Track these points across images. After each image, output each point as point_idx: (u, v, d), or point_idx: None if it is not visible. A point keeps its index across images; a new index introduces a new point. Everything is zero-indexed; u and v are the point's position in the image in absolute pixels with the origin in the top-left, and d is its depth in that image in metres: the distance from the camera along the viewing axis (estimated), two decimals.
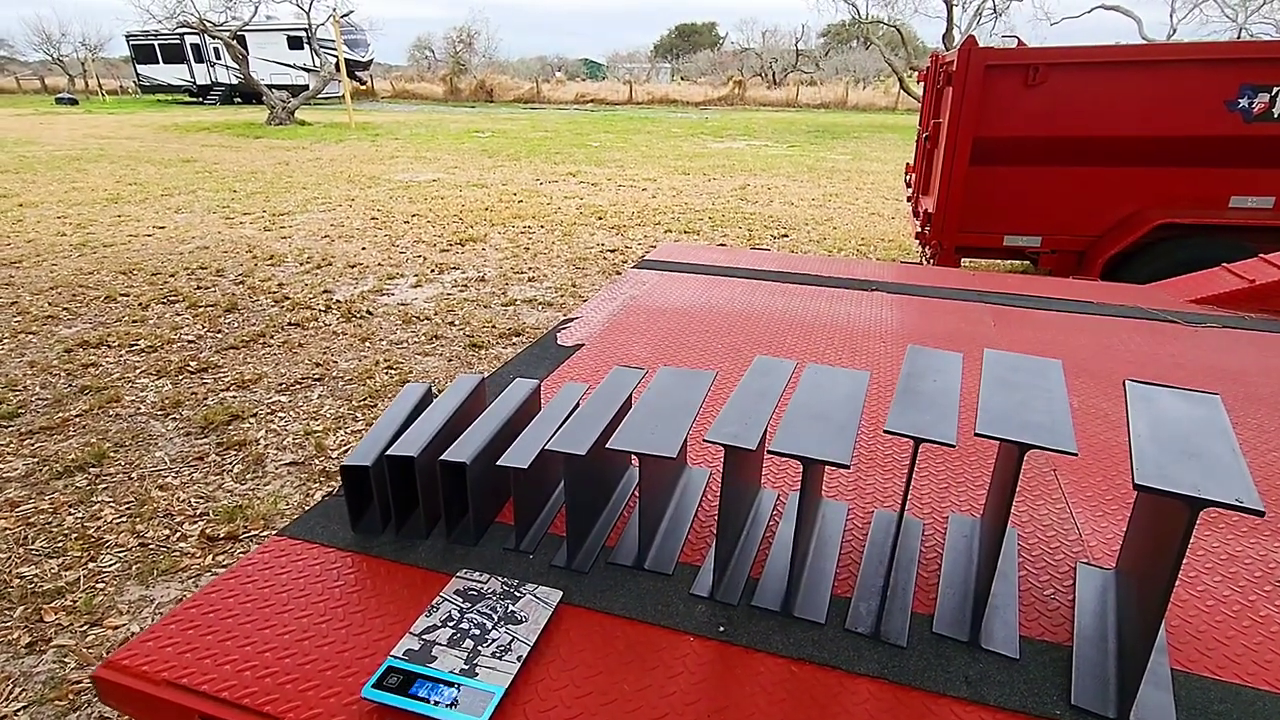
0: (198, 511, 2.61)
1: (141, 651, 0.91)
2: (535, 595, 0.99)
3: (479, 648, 0.89)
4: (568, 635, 0.95)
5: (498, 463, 1.07)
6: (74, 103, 31.45)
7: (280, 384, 3.70)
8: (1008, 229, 4.36)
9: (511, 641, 0.91)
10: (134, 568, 2.31)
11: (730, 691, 0.87)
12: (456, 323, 4.70)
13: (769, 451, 0.90)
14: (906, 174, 5.87)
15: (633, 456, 1.26)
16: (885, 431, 0.86)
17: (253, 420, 3.30)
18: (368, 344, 4.30)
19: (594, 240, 7.18)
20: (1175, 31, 24.32)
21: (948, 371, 1.04)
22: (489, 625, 0.93)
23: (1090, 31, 43.03)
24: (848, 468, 0.86)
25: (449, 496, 1.11)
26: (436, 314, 4.86)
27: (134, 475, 2.84)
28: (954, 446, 0.84)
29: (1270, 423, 1.59)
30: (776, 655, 0.92)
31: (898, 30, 25.79)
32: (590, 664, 0.90)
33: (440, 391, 1.34)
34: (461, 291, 5.38)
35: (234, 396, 3.54)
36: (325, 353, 4.14)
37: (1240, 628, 0.97)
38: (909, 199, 5.76)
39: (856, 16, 25.96)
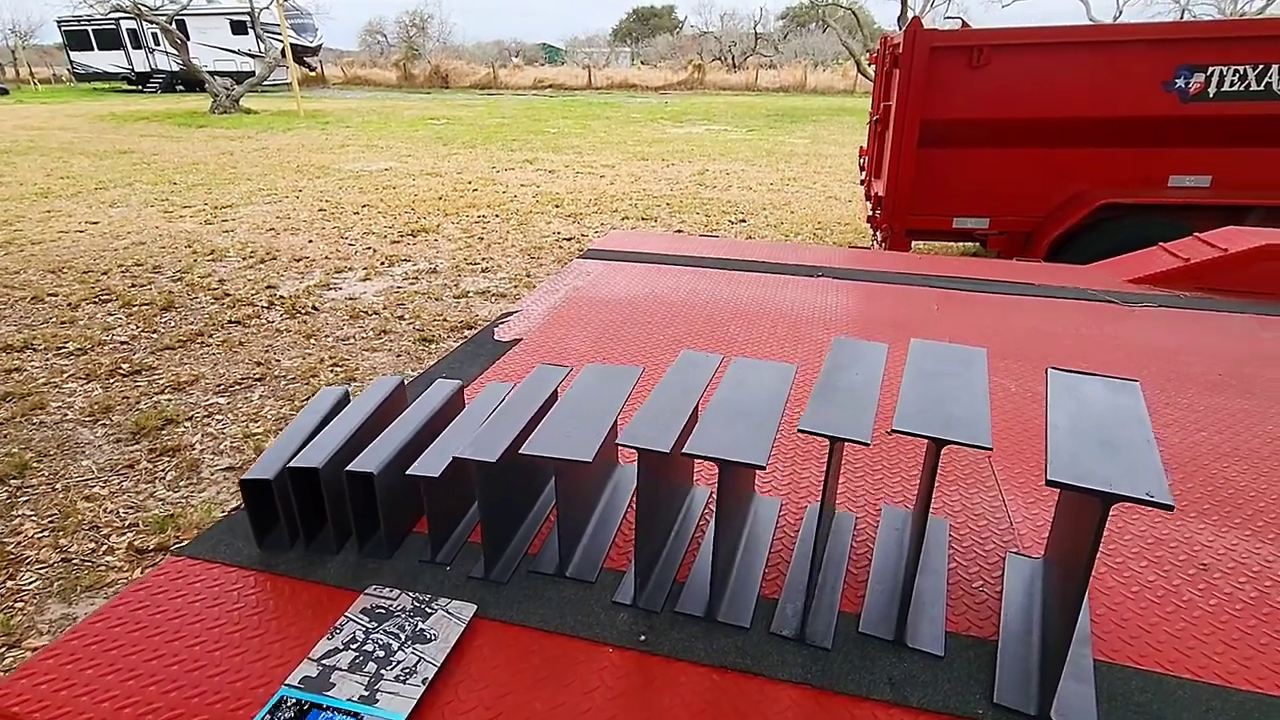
0: (126, 522, 2.48)
1: (14, 691, 0.84)
2: (447, 611, 0.94)
3: (382, 671, 0.84)
4: (480, 652, 0.90)
5: (407, 472, 1.01)
6: (4, 92, 29.88)
7: (219, 385, 3.56)
8: (956, 211, 4.40)
9: (418, 663, 0.86)
10: (56, 584, 2.19)
11: (649, 705, 0.84)
12: (406, 316, 4.58)
13: (682, 454, 0.86)
14: (860, 157, 5.89)
15: None
16: (799, 430, 0.83)
17: (188, 424, 3.16)
18: (313, 341, 4.16)
19: (550, 229, 7.08)
20: (1120, 14, 24.92)
21: (870, 363, 1.01)
22: (395, 646, 0.88)
23: (1041, 14, 43.89)
24: (763, 469, 0.83)
25: (358, 509, 1.05)
26: (386, 308, 4.73)
27: (58, 486, 2.69)
28: (868, 445, 0.81)
29: (1199, 402, 1.61)
30: (698, 664, 0.89)
31: (854, 13, 25.94)
32: (502, 682, 0.86)
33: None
34: (412, 284, 5.24)
35: (169, 400, 3.39)
36: (267, 351, 4.00)
37: (1163, 614, 0.97)
38: (862, 182, 5.78)
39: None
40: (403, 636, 0.89)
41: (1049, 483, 0.72)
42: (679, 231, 7.16)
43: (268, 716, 0.78)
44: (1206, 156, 4.06)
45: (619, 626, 0.94)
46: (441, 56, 40.93)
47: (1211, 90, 3.89)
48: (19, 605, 2.10)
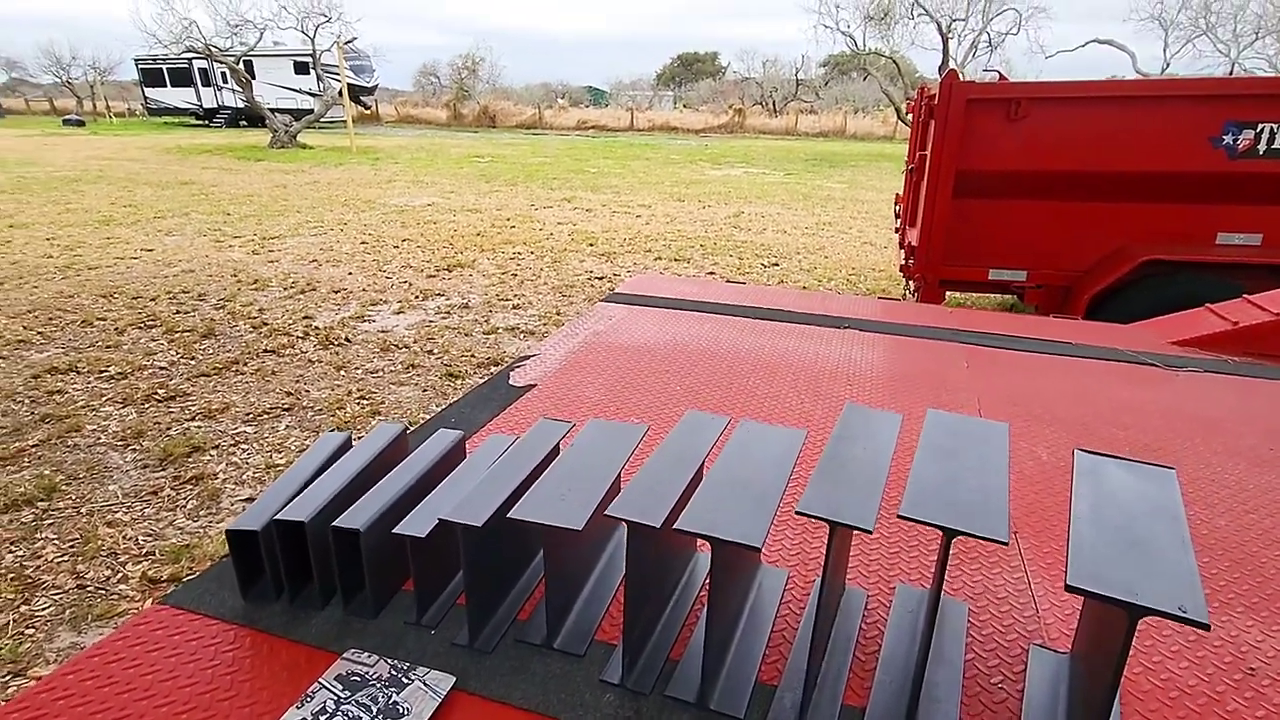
0: (144, 551, 2.50)
1: None
2: (424, 682, 0.90)
3: None
4: None
5: (394, 531, 0.98)
6: (81, 124, 31.78)
7: (248, 414, 3.61)
8: (993, 262, 4.31)
9: None
10: (68, 612, 2.20)
11: None
12: (435, 351, 4.62)
13: (675, 530, 0.82)
14: (895, 204, 5.84)
15: None
16: (796, 513, 0.78)
17: (214, 452, 3.21)
18: (342, 372, 4.22)
19: (583, 267, 7.14)
20: (1168, 65, 24.61)
21: (882, 436, 0.95)
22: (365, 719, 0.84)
23: (1085, 65, 43.62)
24: (758, 550, 0.77)
25: (344, 565, 1.02)
26: (416, 342, 4.78)
27: (83, 510, 2.74)
28: (870, 533, 0.75)
29: (1249, 480, 1.50)
30: None
31: (895, 62, 26.13)
32: None
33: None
34: (444, 319, 5.31)
35: (198, 427, 3.45)
36: (298, 381, 4.06)
37: None
38: (896, 230, 5.72)
39: (854, 48, 26.32)
40: (374, 709, 0.85)
41: (1069, 588, 0.65)
42: (710, 274, 7.16)
43: None
44: (1257, 214, 3.91)
45: (604, 709, 0.89)
46: (490, 97, 42.36)
47: (1261, 147, 3.76)
48: (29, 632, 2.12)
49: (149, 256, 7.08)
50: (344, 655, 0.94)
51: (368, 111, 36.62)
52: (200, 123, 32.57)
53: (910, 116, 5.30)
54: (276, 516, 1.01)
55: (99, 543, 2.53)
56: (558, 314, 5.55)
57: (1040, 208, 4.15)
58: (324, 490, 1.07)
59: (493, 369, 4.38)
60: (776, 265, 7.59)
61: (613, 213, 10.61)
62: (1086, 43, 23.94)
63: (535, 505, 0.92)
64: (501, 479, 1.02)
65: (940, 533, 0.89)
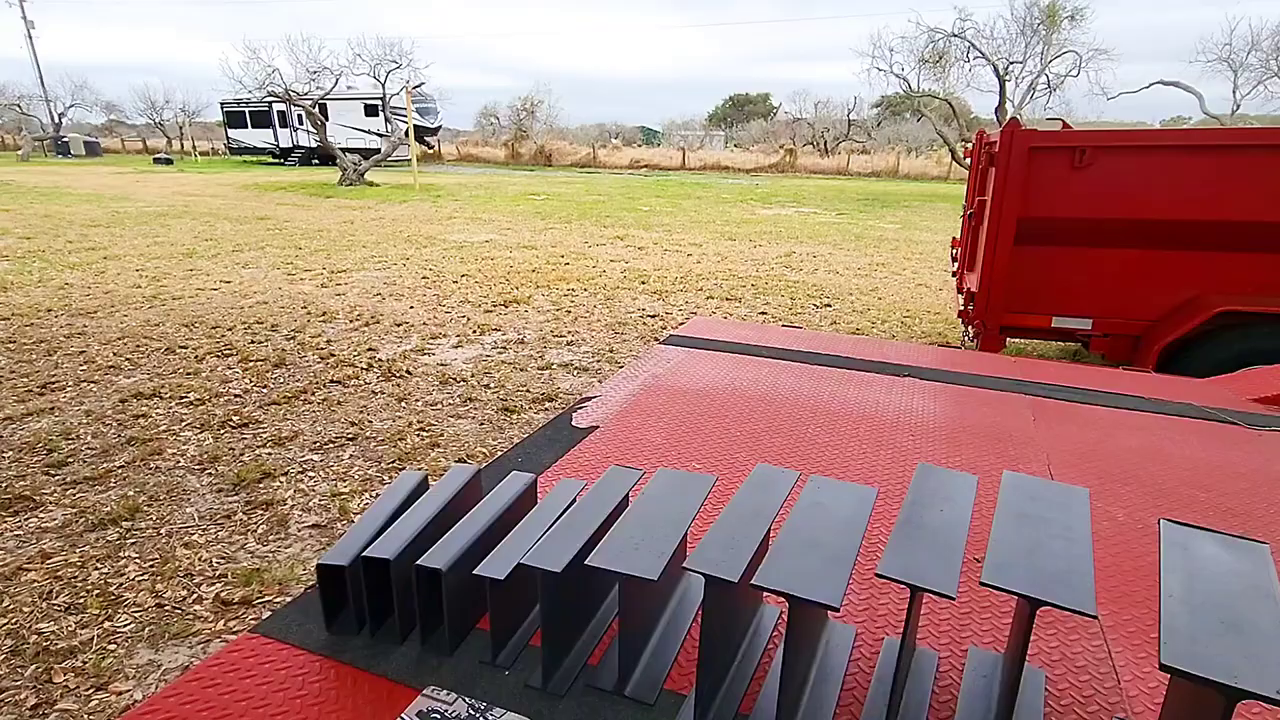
0: (217, 573, 2.62)
1: None
2: None
3: None
4: None
5: (473, 572, 1.02)
6: (169, 162, 34.10)
7: (315, 442, 3.76)
8: (1056, 310, 4.20)
9: None
10: (147, 629, 2.31)
11: None
12: (492, 385, 4.74)
13: (751, 586, 0.83)
14: (952, 248, 5.77)
15: None
16: (877, 575, 0.79)
17: (283, 479, 3.34)
18: (404, 404, 4.36)
19: (635, 305, 7.23)
20: (1239, 107, 23.77)
21: (959, 499, 0.95)
22: None
23: (1149, 106, 42.48)
24: (837, 610, 0.78)
25: (424, 602, 1.07)
26: (473, 375, 4.91)
27: (163, 531, 2.88)
28: (953, 599, 0.75)
29: None
30: None
31: (949, 103, 25.97)
32: None
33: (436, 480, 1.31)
34: (500, 353, 5.44)
35: (269, 453, 3.60)
36: (362, 411, 4.21)
37: None
38: (954, 274, 5.63)
39: (908, 90, 26.30)
40: None
41: (1163, 668, 0.64)
42: (763, 314, 7.16)
43: None
44: None
45: None
46: (547, 137, 43.72)
47: None
48: (111, 648, 2.23)
49: (227, 288, 7.49)
50: (424, 692, 0.98)
51: (431, 151, 38.23)
52: (275, 161, 34.53)
53: (968, 160, 5.26)
54: (364, 554, 1.06)
55: (176, 563, 2.66)
56: (610, 351, 5.63)
57: (1107, 255, 4.04)
58: (406, 529, 1.12)
59: (546, 404, 4.46)
60: (829, 306, 7.55)
61: (664, 251, 10.75)
62: (1151, 84, 23.34)
63: (611, 553, 0.95)
64: (576, 525, 1.05)
65: (1020, 602, 0.88)
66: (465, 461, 2.14)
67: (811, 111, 43.91)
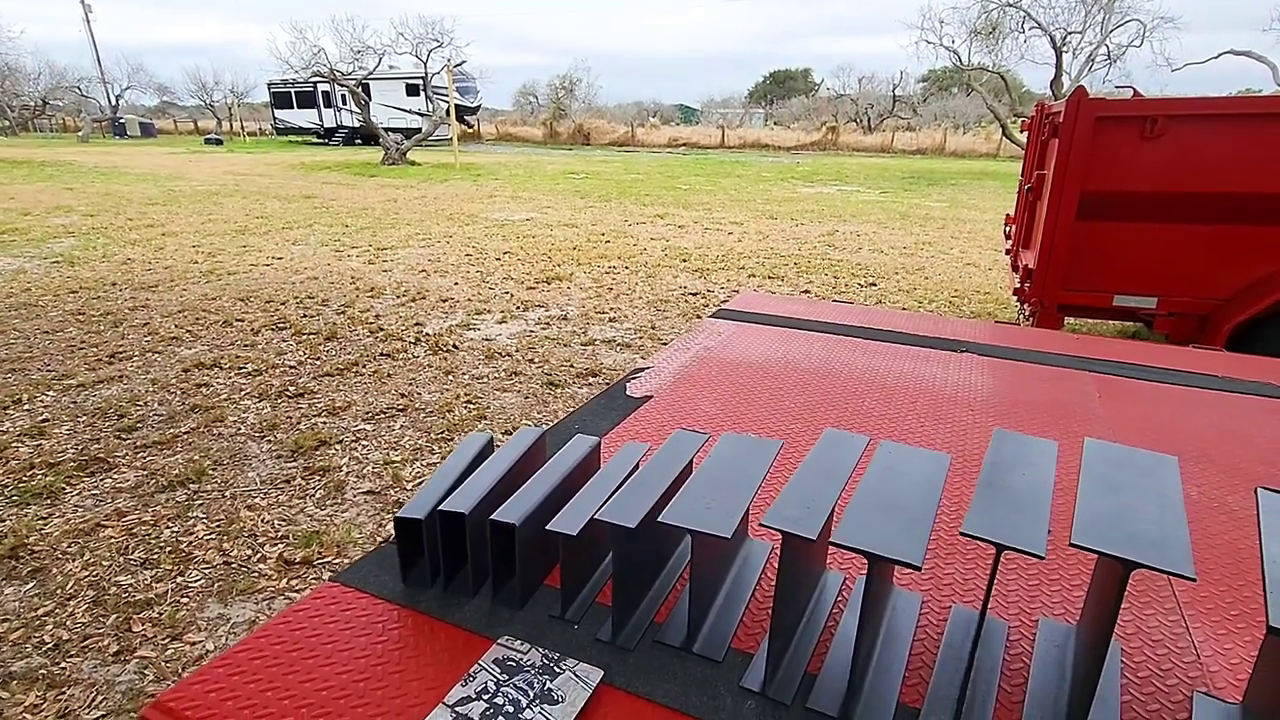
0: (279, 534, 2.72)
1: (188, 695, 0.93)
2: (575, 673, 0.95)
3: None
4: None
5: (546, 527, 1.04)
6: (219, 143, 34.98)
7: (367, 412, 3.86)
8: (1118, 288, 4.04)
9: None
10: (216, 585, 2.42)
11: None
12: (536, 360, 4.79)
13: (831, 543, 0.83)
14: (1006, 225, 5.59)
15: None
16: (962, 534, 0.78)
17: (338, 447, 3.45)
18: (451, 377, 4.44)
19: (676, 283, 7.21)
20: None
21: (1040, 463, 0.93)
22: (524, 703, 0.89)
23: (1217, 78, 40.23)
24: (919, 569, 0.78)
25: (497, 556, 1.09)
26: (518, 350, 4.97)
27: (227, 494, 3.01)
28: (1041, 559, 0.74)
29: None
30: None
31: (1002, 77, 25.01)
32: None
33: (500, 442, 1.33)
34: (544, 329, 5.49)
35: (324, 422, 3.72)
36: (411, 384, 4.30)
37: None
38: (1008, 252, 5.47)
39: (958, 63, 25.39)
40: (531, 694, 0.91)
41: (1271, 630, 0.63)
42: (806, 292, 7.07)
43: None
44: None
45: (747, 715, 0.91)
46: (585, 116, 43.54)
47: None
48: (184, 601, 2.34)
49: (279, 264, 7.69)
50: (499, 641, 1.01)
51: (470, 130, 38.43)
52: (320, 141, 35.14)
53: (1024, 134, 5.08)
54: (441, 508, 1.09)
55: (241, 524, 2.78)
56: (652, 328, 5.63)
57: (1176, 231, 3.87)
58: (478, 486, 1.15)
59: (590, 379, 4.49)
60: (874, 285, 7.41)
61: (704, 229, 10.66)
62: (1220, 54, 22.07)
63: (684, 511, 0.96)
64: (646, 485, 1.06)
65: (1097, 566, 0.86)
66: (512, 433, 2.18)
67: (855, 87, 42.79)
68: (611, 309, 6.13)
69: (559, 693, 0.91)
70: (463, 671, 0.96)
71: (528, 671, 0.95)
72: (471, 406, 4.02)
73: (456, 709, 0.88)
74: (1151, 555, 0.71)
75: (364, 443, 3.51)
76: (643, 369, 2.18)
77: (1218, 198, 3.75)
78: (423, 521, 1.11)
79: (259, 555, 2.59)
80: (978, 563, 1.23)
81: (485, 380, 4.42)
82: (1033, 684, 0.96)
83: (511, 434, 1.34)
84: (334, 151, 29.00)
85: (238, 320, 5.52)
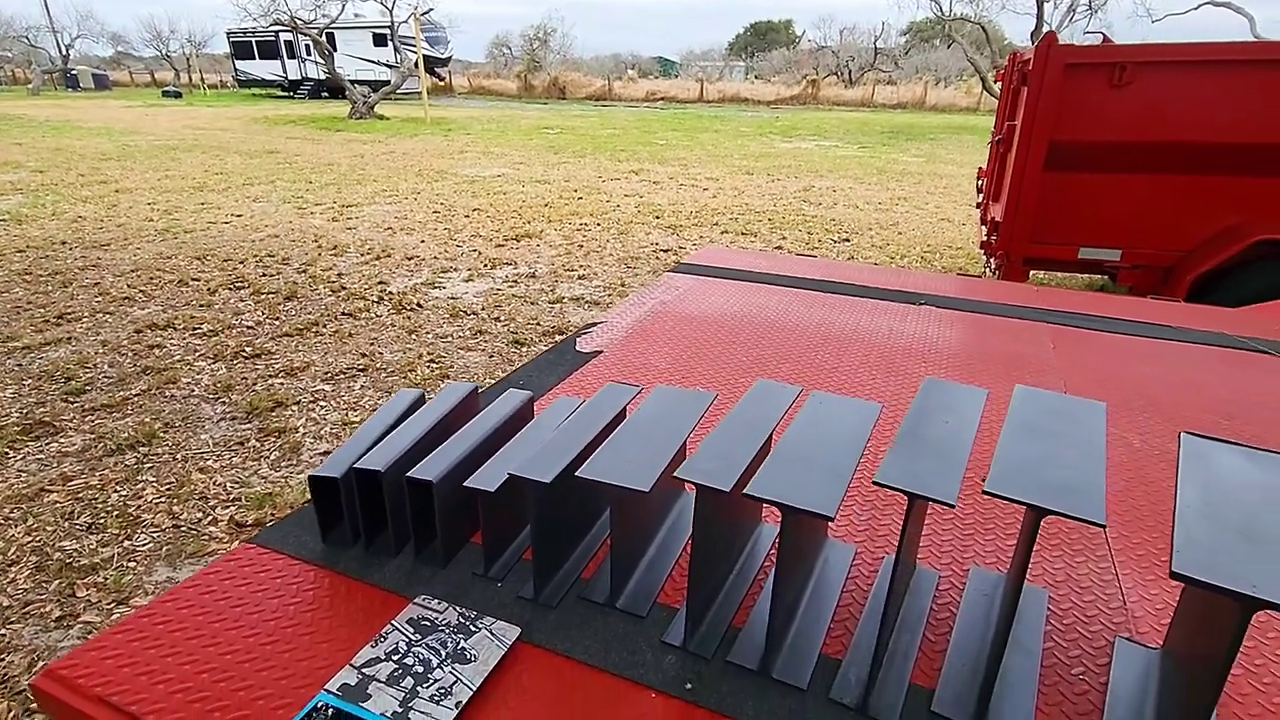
0: (231, 496, 2.67)
1: (82, 663, 0.89)
2: (491, 631, 0.92)
3: (419, 688, 0.83)
4: (519, 679, 0.87)
5: (464, 484, 1.00)
6: (178, 96, 33.56)
7: (326, 373, 3.78)
8: (1084, 240, 4.04)
9: (454, 684, 0.83)
10: (164, 549, 2.37)
11: None
12: (502, 319, 4.71)
13: (744, 495, 0.80)
14: (978, 178, 5.55)
15: None
16: (874, 483, 0.75)
17: (295, 408, 3.37)
18: (414, 336, 4.36)
19: (649, 239, 7.11)
20: None
21: (966, 412, 0.91)
22: (434, 662, 0.86)
23: (1196, 29, 40.02)
24: (831, 520, 0.75)
25: (417, 515, 1.06)
26: (484, 309, 4.88)
27: (179, 457, 2.93)
28: (953, 507, 0.72)
29: None
30: None
31: (983, 28, 24.65)
32: (536, 714, 0.82)
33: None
34: (511, 287, 5.40)
35: (281, 383, 3.63)
36: (373, 344, 4.22)
37: None
38: (978, 205, 5.44)
39: (940, 13, 24.95)
40: (443, 653, 0.88)
41: (1174, 575, 0.61)
42: (778, 248, 7.02)
43: None
44: None
45: (665, 670, 0.89)
46: (560, 68, 42.36)
47: None
48: (131, 565, 2.30)
49: (238, 221, 7.44)
50: (415, 600, 0.98)
51: (441, 83, 37.25)
52: (285, 94, 33.86)
53: (999, 85, 4.99)
54: (355, 465, 1.04)
55: (192, 487, 2.71)
56: (623, 285, 5.55)
57: (1142, 182, 3.85)
58: (399, 443, 1.10)
59: (557, 337, 4.43)
60: (847, 241, 7.36)
61: (680, 185, 10.50)
62: (1199, 5, 21.89)
63: (603, 465, 0.93)
64: (569, 439, 1.02)
65: (1026, 513, 0.84)
66: None
67: (836, 39, 42.01)
68: (581, 266, 6.03)
69: (472, 651, 0.88)
70: (376, 631, 0.93)
71: (442, 631, 0.92)
72: (435, 366, 3.95)
73: (363, 670, 0.85)
74: (1063, 502, 0.69)
75: (322, 403, 3.44)
76: (595, 324, 2.13)
77: (1182, 147, 3.73)
78: (339, 480, 1.06)
79: (210, 518, 2.54)
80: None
81: (449, 339, 4.34)
82: (957, 633, 0.96)
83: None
84: (299, 105, 27.99)
85: (194, 280, 5.35)
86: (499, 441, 1.13)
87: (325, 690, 0.83)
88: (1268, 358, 2.01)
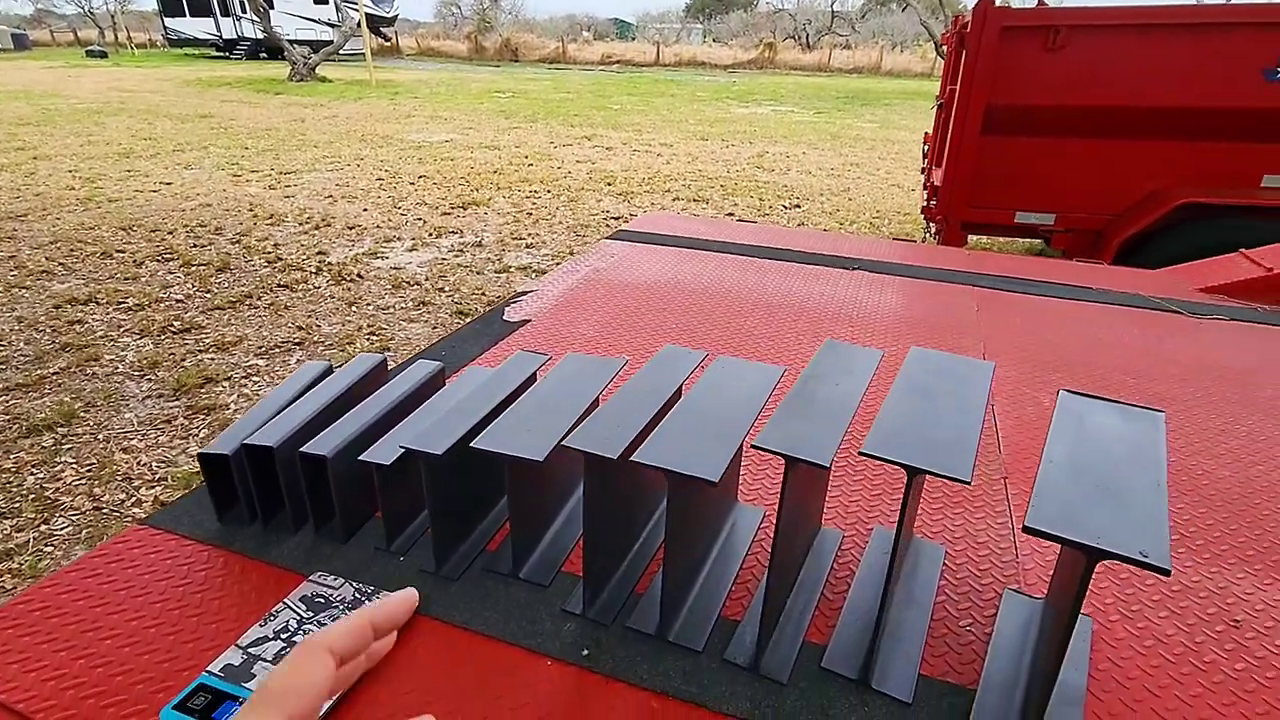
0: (157, 477, 2.58)
1: None
2: None
3: None
4: (413, 654, 0.86)
5: (359, 458, 0.97)
6: (104, 56, 31.55)
7: (260, 347, 3.66)
8: (1020, 205, 4.12)
9: None
10: (85, 532, 2.29)
11: None
12: (447, 289, 4.62)
13: (630, 461, 0.80)
14: (925, 143, 5.61)
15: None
16: (753, 446, 0.75)
17: (226, 384, 3.26)
18: (354, 309, 4.24)
19: (600, 206, 7.02)
20: None
21: (858, 372, 0.91)
22: None
23: None
24: (714, 484, 0.75)
25: (314, 491, 1.03)
26: (428, 279, 4.77)
27: (100, 437, 2.82)
28: (826, 469, 0.72)
29: (1264, 431, 1.44)
30: (639, 687, 0.82)
31: None
32: (429, 688, 0.81)
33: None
34: (457, 257, 5.28)
35: (211, 359, 3.50)
36: (310, 316, 4.09)
37: (1178, 675, 0.85)
38: (923, 170, 5.50)
39: None
40: None
41: (1026, 529, 0.62)
42: (730, 215, 7.01)
43: (181, 704, 0.76)
44: None
45: (564, 638, 0.89)
46: (513, 29, 41.12)
47: None
48: (48, 549, 2.21)
49: (168, 190, 7.09)
50: (310, 578, 0.95)
51: (387, 44, 35.81)
52: (220, 55, 32.13)
53: (945, 49, 5.02)
54: (246, 441, 1.01)
55: (115, 468, 2.61)
56: (571, 253, 5.49)
57: (1074, 146, 3.94)
58: (296, 417, 1.06)
59: None
60: (798, 207, 7.39)
61: (633, 151, 10.36)
62: None
63: (498, 436, 0.91)
64: (470, 409, 1.00)
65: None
66: None
67: (794, 2, 41.68)
68: (530, 234, 5.93)
69: None
70: (266, 610, 0.91)
71: (336, 607, 0.90)
72: (375, 338, 3.86)
73: (249, 650, 0.83)
74: (933, 460, 0.70)
75: (255, 379, 3.33)
76: (525, 293, 2.10)
77: (1112, 111, 3.81)
78: (229, 457, 1.02)
79: (134, 499, 2.46)
80: (834, 478, 1.24)
81: (391, 311, 4.24)
82: (854, 591, 0.98)
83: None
84: (235, 66, 26.61)
85: (118, 251, 5.09)
86: (403, 414, 1.10)
87: (207, 672, 0.80)
88: (1179, 318, 2.09)
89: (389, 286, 4.62)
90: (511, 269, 5.07)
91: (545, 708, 0.79)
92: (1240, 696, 0.83)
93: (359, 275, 4.79)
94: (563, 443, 0.83)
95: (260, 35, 27.47)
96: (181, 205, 6.49)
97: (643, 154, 10.16)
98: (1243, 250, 2.43)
